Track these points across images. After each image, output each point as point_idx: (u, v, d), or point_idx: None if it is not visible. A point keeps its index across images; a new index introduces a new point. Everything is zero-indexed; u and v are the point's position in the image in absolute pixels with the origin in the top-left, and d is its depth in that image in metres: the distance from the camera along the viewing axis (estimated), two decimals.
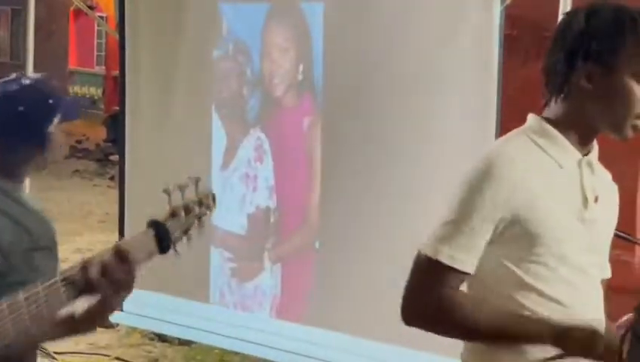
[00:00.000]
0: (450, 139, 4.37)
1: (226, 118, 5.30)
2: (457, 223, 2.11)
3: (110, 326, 5.80)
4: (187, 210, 2.18)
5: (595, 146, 2.23)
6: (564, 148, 2.18)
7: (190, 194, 2.19)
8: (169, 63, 5.47)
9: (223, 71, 5.30)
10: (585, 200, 2.18)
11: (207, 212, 2.22)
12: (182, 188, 2.17)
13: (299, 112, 4.98)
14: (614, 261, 2.34)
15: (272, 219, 5.12)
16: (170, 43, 5.45)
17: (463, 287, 2.16)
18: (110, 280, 2.06)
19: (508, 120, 3.60)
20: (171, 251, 2.15)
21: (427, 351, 4.27)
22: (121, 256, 2.08)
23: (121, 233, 5.74)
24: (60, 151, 2.52)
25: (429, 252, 2.13)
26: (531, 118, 2.23)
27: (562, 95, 2.17)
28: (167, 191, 2.16)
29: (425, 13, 4.46)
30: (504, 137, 2.27)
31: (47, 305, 2.04)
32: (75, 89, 24.18)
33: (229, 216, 5.23)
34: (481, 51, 4.26)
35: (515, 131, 2.24)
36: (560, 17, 2.65)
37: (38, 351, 2.57)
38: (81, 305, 2.14)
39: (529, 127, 2.21)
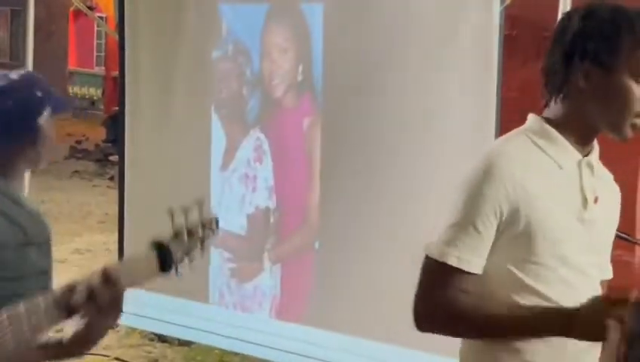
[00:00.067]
0: (450, 139, 4.37)
1: (226, 118, 5.30)
2: (462, 225, 2.11)
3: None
4: (190, 232, 2.18)
5: (596, 147, 2.23)
6: (563, 149, 2.18)
7: (194, 217, 2.19)
8: (169, 64, 5.46)
9: (223, 71, 5.29)
10: (584, 200, 2.18)
11: (211, 234, 2.23)
12: (186, 211, 2.18)
13: (298, 113, 4.98)
14: (615, 261, 2.34)
15: (271, 220, 5.12)
16: (170, 43, 5.45)
17: None
18: (96, 305, 2.05)
19: (508, 120, 3.60)
20: (172, 271, 2.16)
21: (427, 351, 4.27)
22: (109, 280, 2.07)
23: (121, 233, 5.74)
24: (53, 147, 2.50)
25: (436, 255, 2.14)
26: (531, 118, 2.23)
27: (561, 95, 2.18)
28: (170, 212, 2.16)
29: (425, 13, 4.46)
30: (503, 137, 2.27)
31: (45, 317, 2.04)
32: (75, 89, 24.21)
33: (229, 217, 5.23)
34: (481, 51, 4.26)
35: (514, 131, 2.24)
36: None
37: None
38: (69, 328, 2.13)
39: (529, 128, 2.22)
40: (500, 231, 2.11)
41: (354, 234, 4.71)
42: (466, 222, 2.11)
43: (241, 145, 5.22)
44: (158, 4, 5.57)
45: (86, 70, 24.85)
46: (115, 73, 8.90)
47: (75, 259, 8.58)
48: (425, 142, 4.47)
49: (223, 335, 5.33)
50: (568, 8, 3.86)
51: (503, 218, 2.10)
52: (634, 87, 2.11)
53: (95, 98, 23.62)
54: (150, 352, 6.11)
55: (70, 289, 2.06)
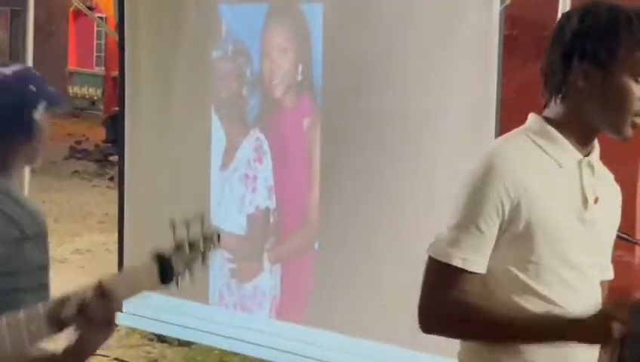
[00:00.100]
0: (449, 139, 4.37)
1: (226, 118, 5.30)
2: (464, 225, 2.11)
3: None
4: (192, 245, 2.19)
5: (597, 147, 2.23)
6: (564, 149, 2.18)
7: (196, 230, 2.20)
8: (168, 64, 5.46)
9: (223, 71, 5.29)
10: (585, 200, 2.18)
11: (212, 247, 2.23)
12: (187, 223, 2.18)
13: (298, 113, 4.98)
14: (615, 262, 2.34)
15: (271, 220, 5.12)
16: (170, 44, 5.45)
17: None
18: (88, 319, 2.04)
19: (508, 120, 3.60)
20: (172, 283, 2.16)
21: (427, 351, 4.27)
22: (103, 294, 2.06)
23: (121, 233, 5.74)
24: (46, 144, 2.48)
25: (440, 257, 2.14)
26: (531, 118, 2.23)
27: (560, 95, 2.18)
28: (172, 224, 2.16)
29: (425, 14, 4.45)
30: (503, 137, 2.27)
31: (42, 328, 2.03)
32: (75, 90, 24.20)
33: (229, 217, 5.23)
34: (481, 51, 4.26)
35: (514, 131, 2.24)
36: None
37: None
38: (62, 342, 2.12)
39: (529, 127, 2.22)
40: (502, 231, 2.11)
41: (354, 234, 4.71)
42: (468, 222, 2.11)
43: (241, 145, 5.22)
44: (158, 5, 5.57)
45: (86, 70, 24.84)
46: (115, 73, 8.90)
47: (75, 259, 8.58)
48: (425, 142, 4.47)
49: (222, 336, 5.33)
50: (568, 8, 3.86)
51: (505, 217, 2.10)
52: (633, 87, 2.11)
53: (95, 98, 23.61)
54: (150, 352, 6.11)
55: (62, 301, 2.04)
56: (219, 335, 5.34)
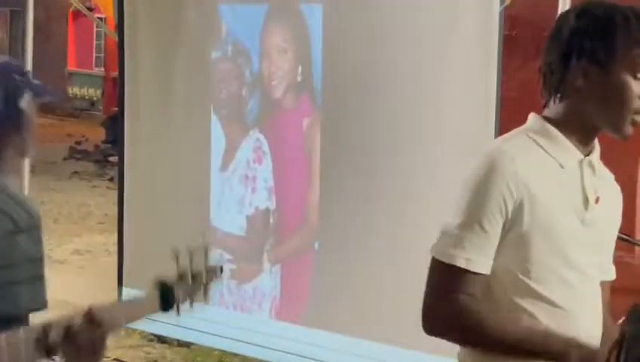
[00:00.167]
0: (450, 139, 4.37)
1: (225, 119, 5.30)
2: (468, 226, 2.10)
3: None
4: (194, 276, 2.19)
5: (597, 147, 2.23)
6: (564, 148, 2.17)
7: (200, 261, 2.20)
8: (168, 65, 5.46)
9: (222, 72, 5.29)
10: (586, 200, 2.17)
11: (214, 279, 2.24)
12: (191, 253, 2.19)
13: (298, 113, 4.98)
14: (616, 263, 2.34)
15: (271, 220, 5.11)
16: (170, 44, 5.45)
17: None
18: (75, 345, 2.03)
19: (508, 120, 3.60)
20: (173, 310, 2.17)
21: (427, 351, 4.26)
22: (92, 320, 2.05)
23: (121, 234, 5.72)
24: (36, 134, 2.46)
25: (443, 258, 2.12)
26: (532, 117, 2.23)
27: (560, 95, 2.17)
28: (175, 254, 2.17)
29: (424, 14, 4.45)
30: (503, 136, 2.26)
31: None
32: (74, 90, 24.20)
33: (228, 217, 5.23)
34: (481, 51, 4.26)
35: (514, 131, 2.24)
36: None
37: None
38: None
39: (529, 127, 2.21)
40: (505, 230, 2.10)
41: (354, 234, 4.71)
42: (472, 222, 2.10)
43: (241, 146, 5.22)
44: (158, 5, 5.57)
45: (85, 71, 24.83)
46: (115, 74, 8.89)
47: (74, 259, 8.57)
48: (425, 142, 4.46)
49: (222, 336, 5.33)
50: (567, 8, 3.86)
51: (509, 216, 2.09)
52: (632, 84, 2.11)
53: (94, 99, 23.61)
54: (149, 353, 6.10)
55: (50, 325, 2.03)
56: (219, 335, 5.34)
